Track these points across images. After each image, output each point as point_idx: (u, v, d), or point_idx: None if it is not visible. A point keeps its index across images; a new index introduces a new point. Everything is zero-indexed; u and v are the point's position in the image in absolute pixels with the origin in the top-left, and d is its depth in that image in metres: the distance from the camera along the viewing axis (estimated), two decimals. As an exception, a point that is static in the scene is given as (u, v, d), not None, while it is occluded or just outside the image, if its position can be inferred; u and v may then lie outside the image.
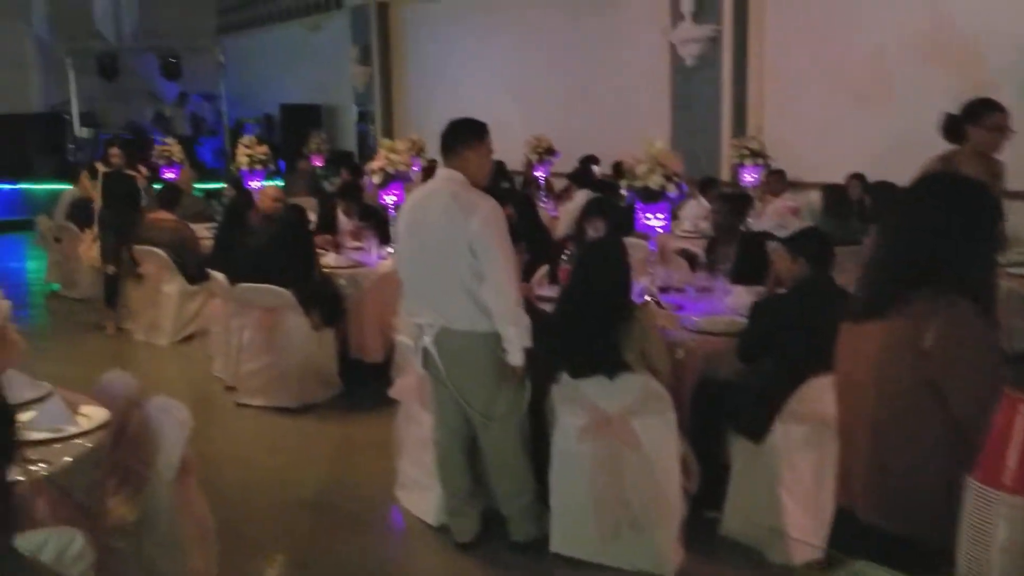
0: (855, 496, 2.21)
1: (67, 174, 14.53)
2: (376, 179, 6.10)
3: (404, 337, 4.16)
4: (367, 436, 5.04)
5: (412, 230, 3.55)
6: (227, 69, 16.29)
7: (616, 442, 3.39)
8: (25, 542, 2.06)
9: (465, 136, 3.53)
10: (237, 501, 4.21)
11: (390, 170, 6.06)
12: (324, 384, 5.57)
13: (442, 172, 3.57)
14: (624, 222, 5.16)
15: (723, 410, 3.65)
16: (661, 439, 3.40)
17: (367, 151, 13.62)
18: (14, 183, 15.22)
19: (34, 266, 10.51)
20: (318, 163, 11.69)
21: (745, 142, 8.00)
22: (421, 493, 3.98)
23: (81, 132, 15.70)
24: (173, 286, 7.07)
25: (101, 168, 7.47)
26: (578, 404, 3.43)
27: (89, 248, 7.51)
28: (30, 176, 15.04)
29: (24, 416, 2.81)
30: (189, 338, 7.07)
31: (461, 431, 3.63)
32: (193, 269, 6.92)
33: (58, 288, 9.08)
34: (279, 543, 3.92)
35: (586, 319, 3.41)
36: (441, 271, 3.43)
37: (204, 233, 7.51)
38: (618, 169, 7.61)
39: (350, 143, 14.51)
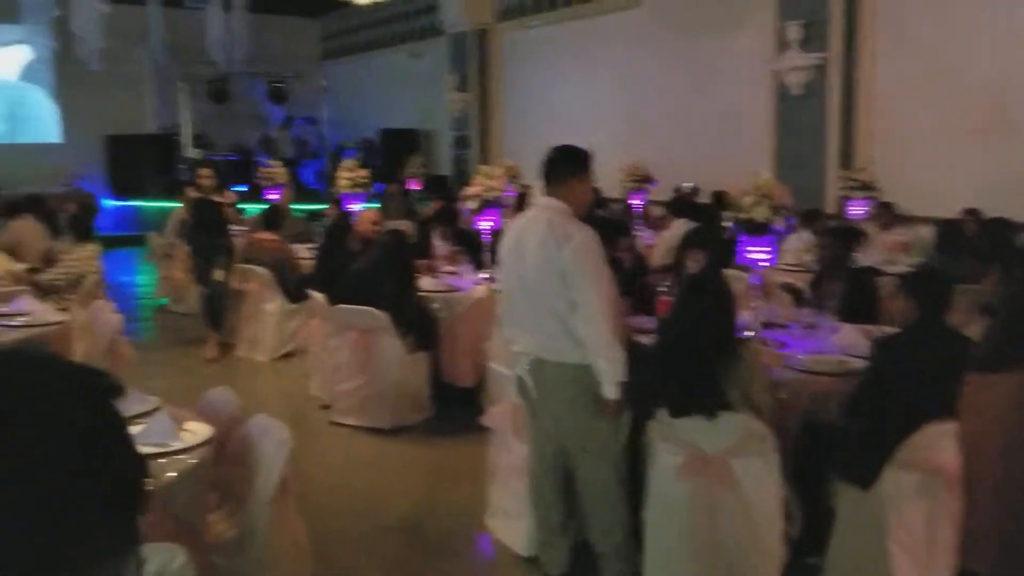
0: (982, 559, 2.06)
1: (177, 193, 15.20)
2: (472, 205, 6.14)
3: (498, 365, 4.13)
4: (457, 461, 5.03)
5: (511, 257, 3.53)
6: (330, 94, 16.77)
7: (715, 483, 3.28)
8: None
9: (568, 165, 3.49)
10: (328, 521, 4.24)
11: (486, 196, 6.09)
12: (416, 407, 5.59)
13: (542, 200, 3.54)
14: (725, 254, 5.04)
15: (829, 453, 3.50)
16: (762, 481, 3.27)
17: (463, 176, 13.78)
18: (128, 200, 15.99)
19: (144, 280, 10.94)
20: (415, 187, 11.88)
21: (853, 174, 7.76)
22: (512, 522, 3.93)
23: (191, 153, 16.37)
24: (274, 304, 7.24)
25: (191, 194, 7.60)
26: (676, 442, 3.33)
27: (184, 268, 7.78)
28: (143, 194, 15.76)
29: (131, 430, 2.89)
30: (288, 355, 7.22)
31: (556, 462, 3.57)
32: (293, 288, 7.09)
33: (166, 303, 9.41)
34: (369, 566, 3.92)
35: (686, 355, 3.32)
36: (536, 299, 3.39)
37: (304, 253, 7.69)
38: (719, 199, 7.47)
39: (446, 168, 14.71)
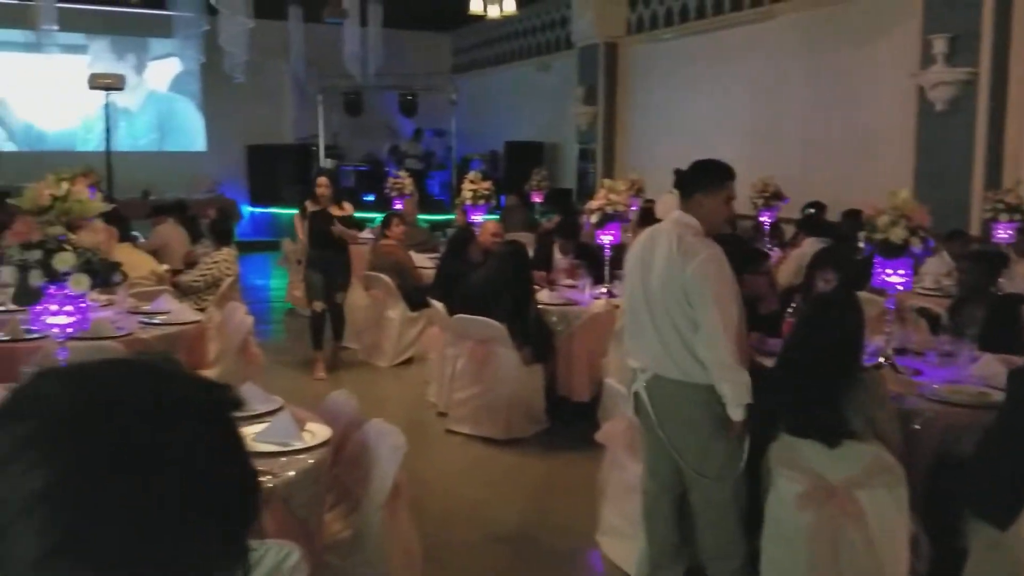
0: None
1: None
2: (594, 218, 6.11)
3: (614, 381, 4.08)
4: (570, 476, 4.99)
5: (635, 270, 3.48)
6: (458, 107, 17.07)
7: (838, 514, 3.13)
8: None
9: (705, 180, 3.41)
10: (439, 527, 4.27)
11: (609, 210, 6.05)
12: (531, 419, 5.59)
13: (675, 214, 3.47)
14: (858, 275, 4.83)
15: (963, 489, 3.28)
16: (889, 514, 3.10)
17: (586, 189, 13.76)
18: (266, 207, 16.74)
19: (276, 284, 11.40)
20: (537, 199, 11.95)
21: (1001, 195, 7.30)
22: (623, 542, 3.86)
23: (325, 163, 16.98)
24: (396, 311, 7.41)
25: (310, 207, 7.21)
26: (797, 469, 3.20)
27: (296, 289, 7.72)
28: (279, 202, 16.47)
29: (255, 428, 3.00)
30: (408, 361, 7.37)
31: (671, 483, 3.49)
32: (412, 295, 7.23)
33: (293, 307, 9.78)
34: (478, 574, 3.93)
35: (806, 375, 3.19)
36: (658, 316, 3.33)
37: (426, 263, 7.84)
38: (854, 218, 7.17)
39: (570, 181, 14.72)
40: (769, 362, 3.71)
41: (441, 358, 5.94)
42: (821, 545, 3.17)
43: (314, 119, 17.02)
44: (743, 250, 4.75)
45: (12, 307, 4.82)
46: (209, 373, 4.58)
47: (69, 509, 0.62)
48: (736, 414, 3.20)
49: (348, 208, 7.29)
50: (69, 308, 2.71)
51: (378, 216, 10.66)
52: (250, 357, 5.23)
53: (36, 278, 2.60)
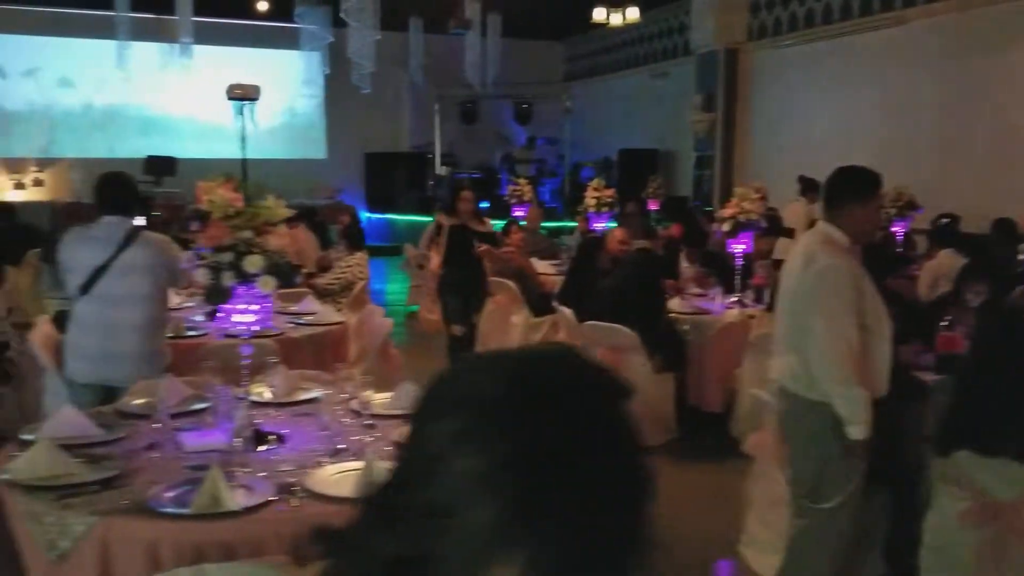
0: None
1: (426, 208, 16.16)
2: (726, 227, 6.06)
3: (758, 390, 4.05)
4: (702, 485, 4.97)
5: (783, 280, 3.47)
6: (571, 114, 17.16)
7: (1006, 532, 3.03)
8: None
9: (856, 188, 3.34)
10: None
11: (741, 219, 5.99)
12: (662, 428, 5.59)
13: (820, 224, 3.44)
14: (1009, 286, 4.66)
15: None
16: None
17: (702, 197, 13.61)
18: (382, 213, 17.20)
19: (394, 288, 11.70)
20: (653, 207, 11.88)
21: None
22: (768, 556, 3.82)
23: (440, 170, 17.33)
24: (520, 317, 7.50)
25: (445, 221, 6.81)
26: (964, 487, 3.11)
27: (430, 311, 7.42)
28: (395, 208, 16.89)
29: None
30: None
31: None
32: (535, 301, 7.30)
33: (416, 310, 10.01)
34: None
35: (999, 395, 3.10)
36: (786, 327, 3.31)
37: (548, 270, 7.91)
38: (1006, 228, 6.89)
39: (685, 188, 14.59)
40: (927, 376, 3.62)
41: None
42: (984, 563, 3.08)
43: (430, 127, 17.39)
44: (885, 254, 4.64)
45: (186, 304, 5.15)
46: (330, 377, 4.76)
47: (518, 486, 0.69)
48: (855, 432, 3.11)
49: (488, 224, 6.89)
50: (255, 307, 2.88)
51: (495, 223, 10.85)
52: (389, 359, 5.39)
53: (228, 279, 2.77)
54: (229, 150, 15.15)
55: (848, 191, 3.35)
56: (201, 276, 2.83)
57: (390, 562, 0.71)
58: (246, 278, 2.81)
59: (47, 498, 2.38)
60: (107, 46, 14.52)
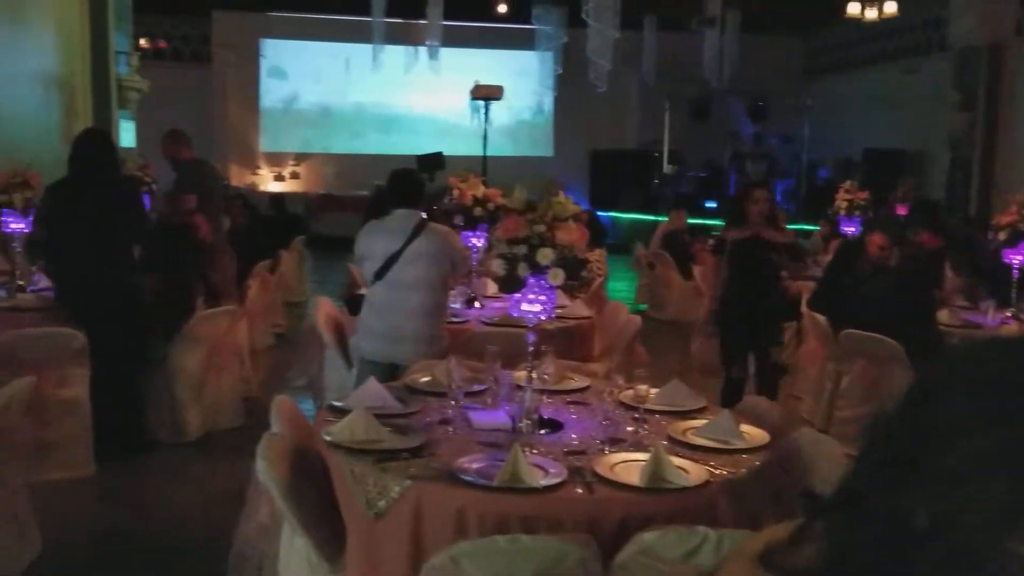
0: None
1: (650, 207, 16.12)
2: (1002, 235, 5.63)
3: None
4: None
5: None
6: (809, 112, 16.48)
7: None
8: (694, 536, 2.29)
9: None
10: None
11: (1021, 227, 5.54)
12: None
13: None
14: None
15: None
16: None
17: (954, 202, 12.66)
18: (607, 211, 17.33)
19: (619, 286, 11.75)
20: (901, 212, 11.19)
21: None
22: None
23: (667, 169, 17.21)
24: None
25: (731, 235, 5.34)
26: None
27: (704, 344, 6.53)
28: (618, 206, 16.97)
29: (695, 423, 3.15)
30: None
31: None
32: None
33: (645, 308, 10.02)
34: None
35: None
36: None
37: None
38: None
39: (936, 192, 13.62)
40: None
41: (820, 373, 5.79)
42: None
43: (658, 125, 17.31)
44: None
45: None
46: (596, 368, 4.86)
47: None
48: None
49: (787, 232, 5.44)
50: (543, 298, 3.03)
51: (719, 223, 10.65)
52: (636, 357, 5.45)
53: (522, 270, 2.92)
54: (467, 147, 15.84)
55: None
56: (496, 266, 3.00)
57: (897, 520, 0.76)
58: (538, 270, 2.95)
59: (366, 461, 2.62)
60: (362, 49, 15.63)
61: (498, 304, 5.49)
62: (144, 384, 5.21)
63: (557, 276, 2.96)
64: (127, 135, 11.30)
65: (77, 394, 4.71)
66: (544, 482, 2.49)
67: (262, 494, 2.92)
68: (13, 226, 5.52)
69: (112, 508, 4.55)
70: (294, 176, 17.95)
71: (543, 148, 19.03)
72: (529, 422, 2.94)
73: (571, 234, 3.00)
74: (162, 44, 17.53)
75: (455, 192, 5.68)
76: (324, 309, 5.29)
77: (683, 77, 16.15)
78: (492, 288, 5.87)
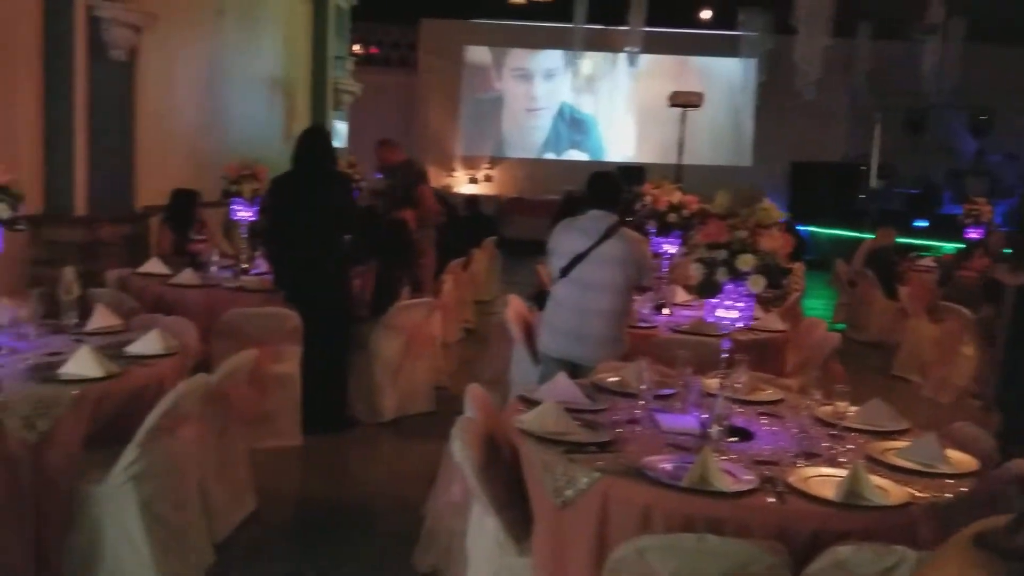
0: None
1: (854, 223, 15.35)
2: None
3: None
4: None
5: None
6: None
7: None
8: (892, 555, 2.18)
9: None
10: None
11: None
12: None
13: None
14: None
15: None
16: None
17: None
18: (805, 226, 16.68)
19: (814, 304, 11.26)
20: None
21: None
22: None
23: (874, 184, 16.34)
24: (970, 348, 6.84)
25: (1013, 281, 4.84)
26: None
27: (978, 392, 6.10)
28: (818, 220, 16.28)
29: (897, 444, 3.00)
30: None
31: None
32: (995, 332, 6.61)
33: (844, 328, 9.56)
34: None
35: None
36: None
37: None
38: None
39: None
40: None
41: None
42: None
43: (866, 138, 16.49)
44: None
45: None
46: (790, 383, 4.70)
47: None
48: None
49: None
50: (740, 304, 2.99)
51: (937, 245, 9.99)
52: (833, 374, 5.23)
53: (721, 275, 2.90)
54: (662, 154, 15.73)
55: None
56: (694, 270, 2.99)
57: None
58: (737, 276, 2.92)
59: (556, 451, 2.70)
60: (561, 56, 15.88)
61: (687, 312, 5.45)
62: (349, 366, 5.57)
63: (758, 283, 2.92)
64: (339, 134, 12.08)
65: (290, 370, 5.11)
66: (735, 488, 2.47)
67: (454, 473, 3.06)
68: (241, 214, 6.06)
69: (315, 476, 4.91)
70: (487, 179, 18.51)
71: (741, 157, 18.59)
72: (719, 429, 2.91)
73: (775, 241, 2.95)
74: (373, 50, 18.60)
75: (648, 198, 5.69)
76: (514, 306, 5.43)
77: (897, 88, 15.28)
78: (682, 295, 5.83)
